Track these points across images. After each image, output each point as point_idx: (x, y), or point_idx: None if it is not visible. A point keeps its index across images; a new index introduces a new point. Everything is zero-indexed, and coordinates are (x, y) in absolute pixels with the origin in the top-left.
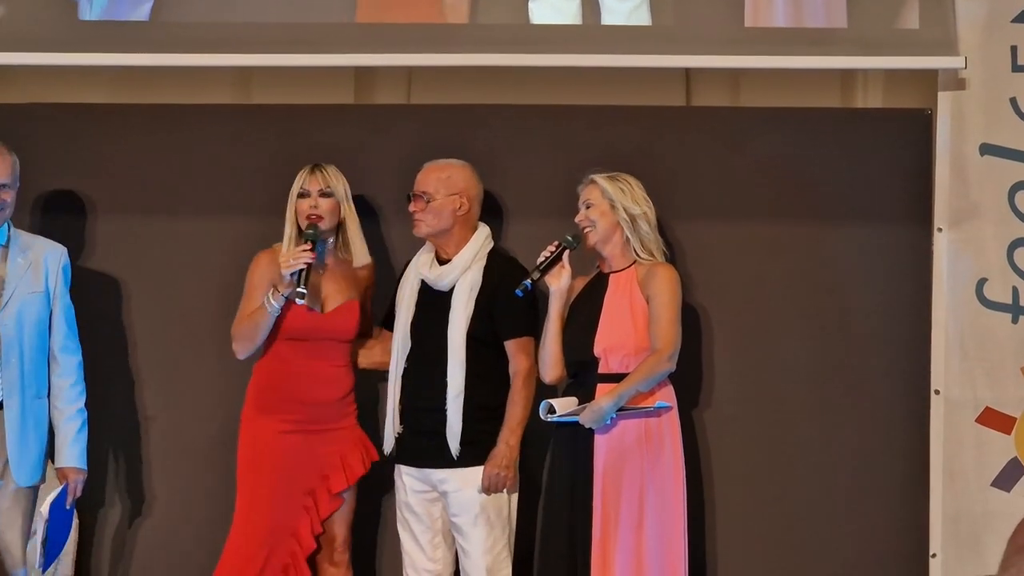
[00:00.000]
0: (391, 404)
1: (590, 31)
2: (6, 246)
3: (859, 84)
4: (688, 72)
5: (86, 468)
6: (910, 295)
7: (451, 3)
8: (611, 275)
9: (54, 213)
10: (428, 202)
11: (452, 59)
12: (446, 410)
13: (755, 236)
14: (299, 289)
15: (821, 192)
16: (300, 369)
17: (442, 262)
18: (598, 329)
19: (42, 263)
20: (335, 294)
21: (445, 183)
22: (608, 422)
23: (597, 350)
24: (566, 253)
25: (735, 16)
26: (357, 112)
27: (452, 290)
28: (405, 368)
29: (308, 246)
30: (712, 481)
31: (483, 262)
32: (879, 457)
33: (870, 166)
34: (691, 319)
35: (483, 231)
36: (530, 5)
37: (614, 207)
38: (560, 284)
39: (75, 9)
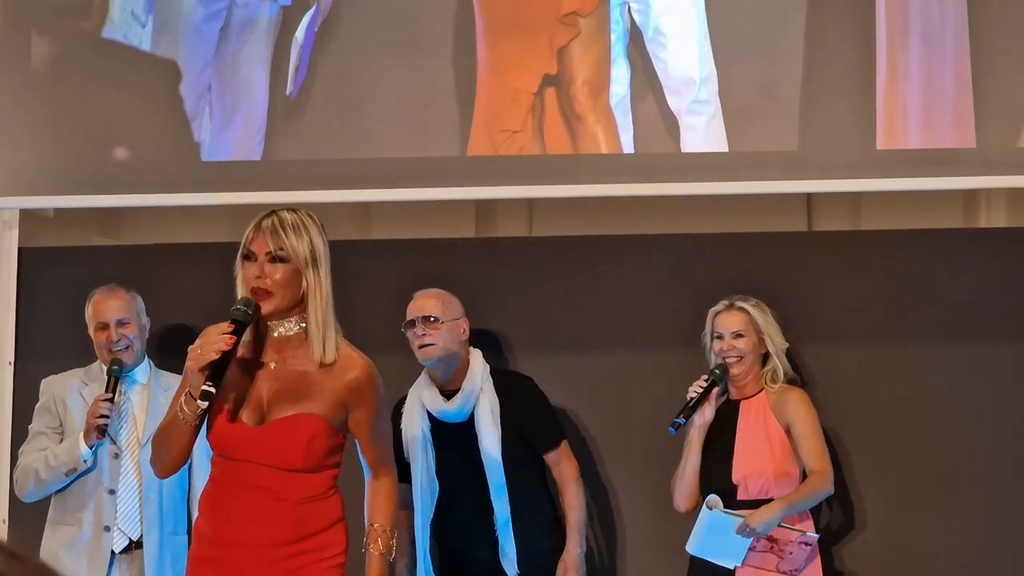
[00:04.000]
0: (422, 553)
1: (711, 159)
2: (147, 384)
3: (982, 204)
4: (809, 197)
5: None
6: None
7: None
8: (742, 402)
9: (180, 351)
10: (441, 323)
11: (573, 190)
12: (497, 540)
13: (883, 359)
14: (204, 387)
15: (948, 313)
16: (228, 498)
17: (446, 394)
18: (735, 457)
19: None
20: (286, 401)
21: (449, 307)
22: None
23: (736, 478)
24: (714, 388)
25: (860, 140)
26: (478, 245)
27: (471, 418)
28: (436, 513)
29: (228, 328)
30: None
31: (491, 382)
32: None
33: (996, 286)
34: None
35: (478, 353)
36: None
37: (762, 338)
38: (706, 418)
39: (196, 150)
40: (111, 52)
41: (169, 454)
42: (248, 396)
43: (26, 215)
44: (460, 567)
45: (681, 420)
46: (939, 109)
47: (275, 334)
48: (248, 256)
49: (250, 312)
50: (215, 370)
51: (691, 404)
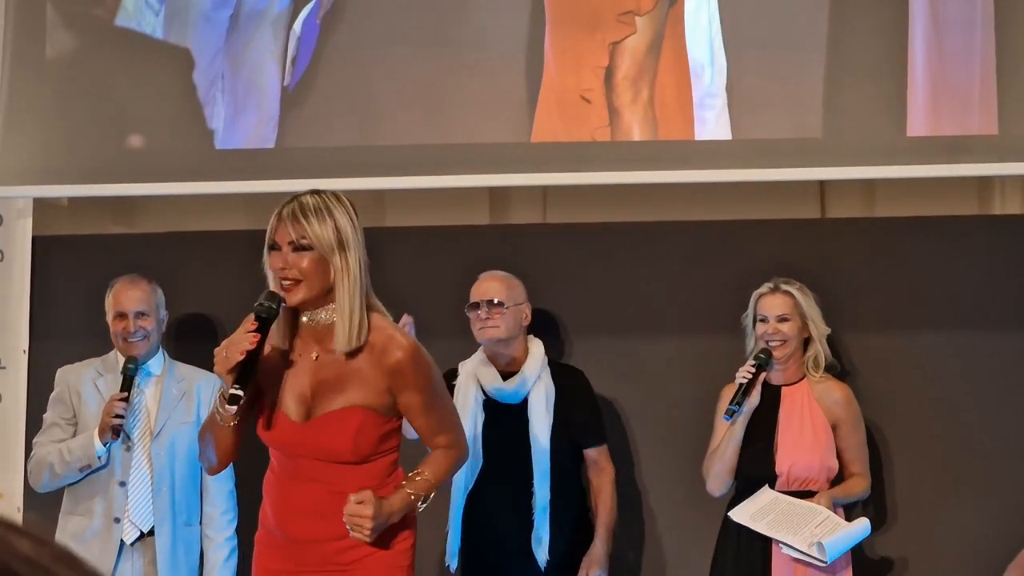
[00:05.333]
0: (455, 522)
1: (726, 147)
2: (161, 376)
3: (996, 191)
4: (823, 184)
5: None
6: None
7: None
8: (783, 388)
9: (193, 340)
10: (506, 308)
11: (587, 178)
12: (532, 522)
13: (895, 348)
14: (231, 391)
15: (961, 301)
16: (285, 492)
17: (504, 375)
18: (778, 446)
19: (194, 393)
20: (330, 394)
21: (513, 292)
22: None
23: (780, 467)
24: (762, 372)
25: (880, 127)
26: (492, 232)
27: (524, 402)
28: (475, 486)
29: (252, 326)
30: None
31: (548, 370)
32: None
33: (1011, 273)
34: None
35: (538, 341)
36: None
37: (806, 322)
38: (752, 403)
39: (210, 137)
40: (124, 40)
41: (215, 453)
42: (293, 390)
43: (39, 204)
44: (489, 544)
45: (736, 407)
46: (962, 96)
47: (311, 324)
48: (273, 246)
49: (274, 307)
50: (242, 372)
51: (742, 389)
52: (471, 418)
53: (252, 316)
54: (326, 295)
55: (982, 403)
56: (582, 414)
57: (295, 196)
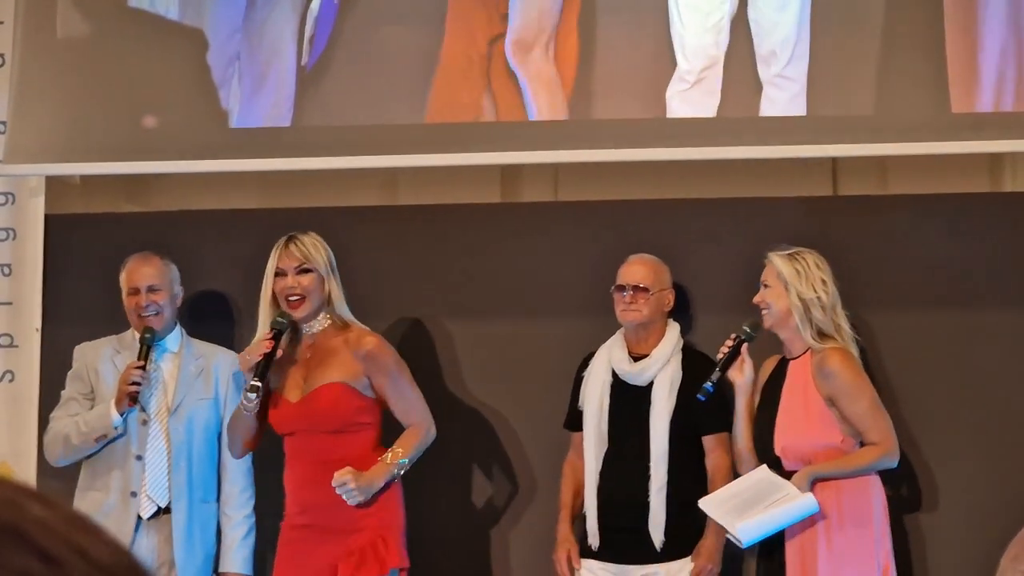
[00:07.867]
0: (591, 503)
1: (741, 124)
2: (178, 352)
3: (1007, 167)
4: (835, 161)
5: (252, 574)
6: None
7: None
8: (790, 362)
9: (208, 318)
10: (650, 294)
11: (599, 155)
12: (648, 504)
13: (906, 326)
14: (251, 383)
15: (973, 278)
16: (293, 468)
17: (635, 357)
18: (776, 425)
19: (212, 370)
20: (318, 377)
21: (660, 277)
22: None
23: (777, 447)
24: (744, 345)
25: (934, 103)
26: (504, 210)
27: (650, 385)
28: (603, 467)
29: (270, 334)
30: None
31: (679, 356)
32: None
33: (1022, 251)
34: None
35: (676, 326)
36: (668, 101)
37: (787, 289)
38: (744, 378)
39: (224, 116)
40: (138, 19)
41: (242, 439)
42: (293, 381)
43: (52, 182)
44: (612, 522)
45: (709, 385)
46: (1007, 72)
47: (309, 332)
48: (280, 272)
49: (285, 322)
50: (260, 369)
51: (719, 364)
52: (597, 398)
53: (269, 328)
54: (319, 308)
55: (994, 381)
56: (703, 401)
57: (293, 235)
